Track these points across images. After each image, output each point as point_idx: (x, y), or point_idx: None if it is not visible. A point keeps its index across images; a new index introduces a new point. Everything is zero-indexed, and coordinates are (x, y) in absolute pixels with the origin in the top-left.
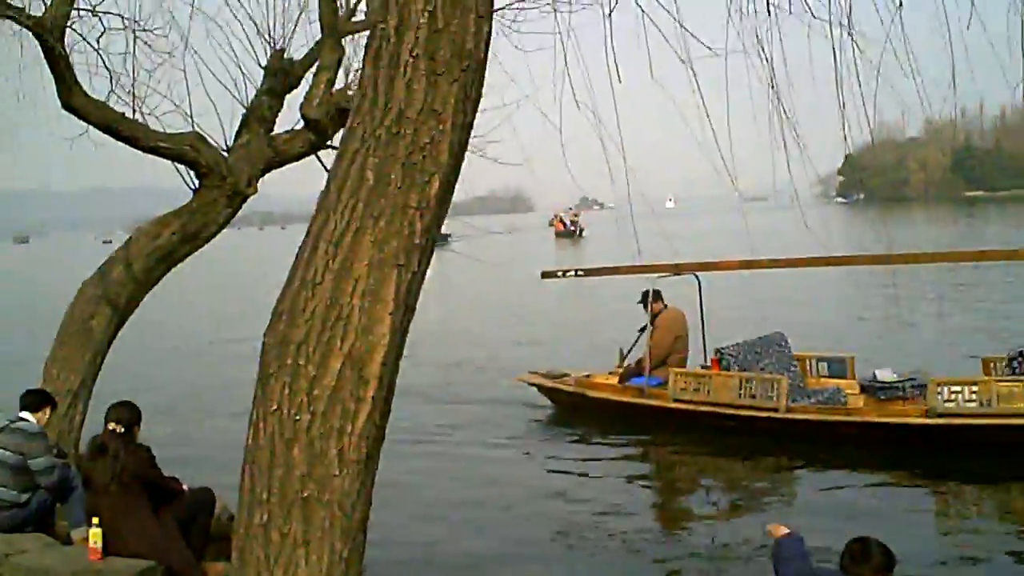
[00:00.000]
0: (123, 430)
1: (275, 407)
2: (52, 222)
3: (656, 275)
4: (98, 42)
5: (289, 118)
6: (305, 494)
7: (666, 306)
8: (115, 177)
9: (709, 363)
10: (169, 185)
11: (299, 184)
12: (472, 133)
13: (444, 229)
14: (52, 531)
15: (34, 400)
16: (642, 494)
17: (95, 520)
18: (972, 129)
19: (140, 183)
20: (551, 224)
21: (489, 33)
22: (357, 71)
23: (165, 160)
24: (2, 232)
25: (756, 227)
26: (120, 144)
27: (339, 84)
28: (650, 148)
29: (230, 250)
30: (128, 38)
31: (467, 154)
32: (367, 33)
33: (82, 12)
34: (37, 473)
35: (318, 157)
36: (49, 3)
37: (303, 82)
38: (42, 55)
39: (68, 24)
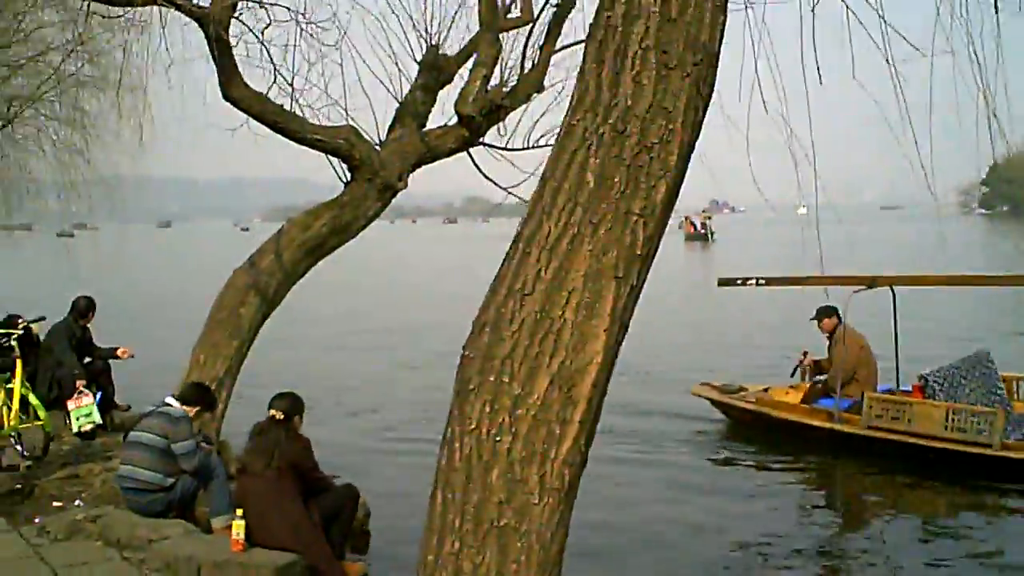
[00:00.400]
0: (283, 417)
1: (474, 426)
2: (193, 209)
3: (853, 288)
4: (263, 34)
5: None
6: (502, 523)
7: (841, 322)
8: (254, 167)
9: (905, 387)
10: (310, 177)
11: (431, 177)
12: None
13: None
14: (193, 517)
15: (190, 394)
16: (821, 530)
17: (239, 511)
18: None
19: (278, 174)
20: (680, 227)
21: (724, 24)
22: (511, 68)
23: (316, 152)
24: (147, 216)
25: (889, 237)
26: (262, 135)
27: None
28: (780, 151)
29: (362, 243)
30: (290, 31)
31: None
32: (525, 30)
33: (249, 4)
34: (180, 457)
35: (469, 154)
36: None
37: (456, 78)
38: (206, 46)
39: (235, 15)
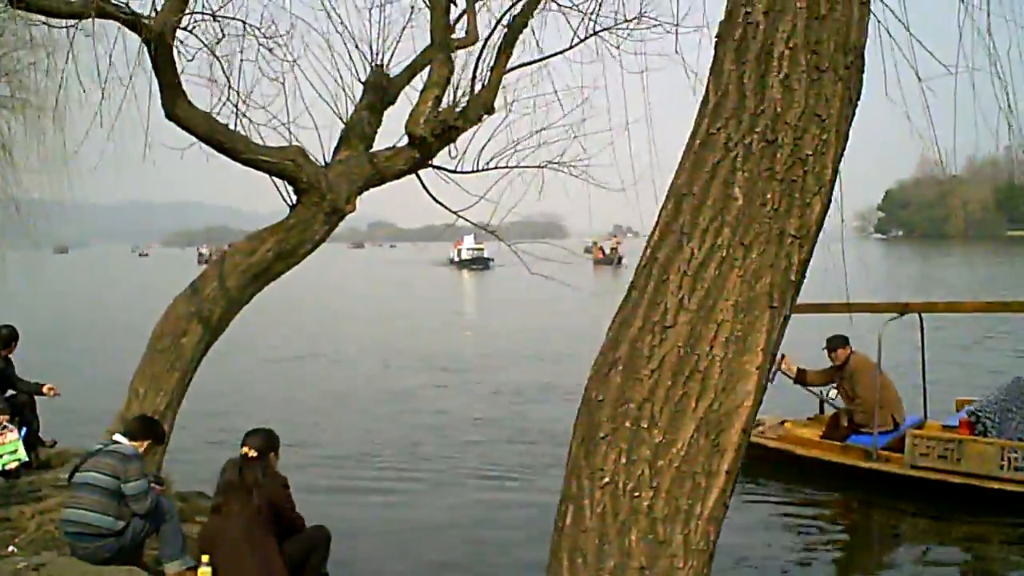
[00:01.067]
0: (256, 455)
1: (607, 480)
2: (91, 233)
3: (888, 316)
4: (213, 49)
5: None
6: None
7: (853, 351)
8: (153, 191)
9: (951, 420)
10: (205, 200)
11: None
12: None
13: (487, 253)
14: (141, 562)
15: (136, 428)
16: None
17: (205, 558)
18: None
19: (177, 198)
20: (588, 251)
21: (868, 22)
22: (461, 89)
23: (262, 173)
24: (42, 242)
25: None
26: (159, 160)
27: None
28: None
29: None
30: (235, 47)
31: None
32: (475, 51)
33: (198, 16)
34: (132, 498)
35: (418, 175)
36: (161, 6)
37: (400, 99)
38: (128, 66)
39: (187, 28)
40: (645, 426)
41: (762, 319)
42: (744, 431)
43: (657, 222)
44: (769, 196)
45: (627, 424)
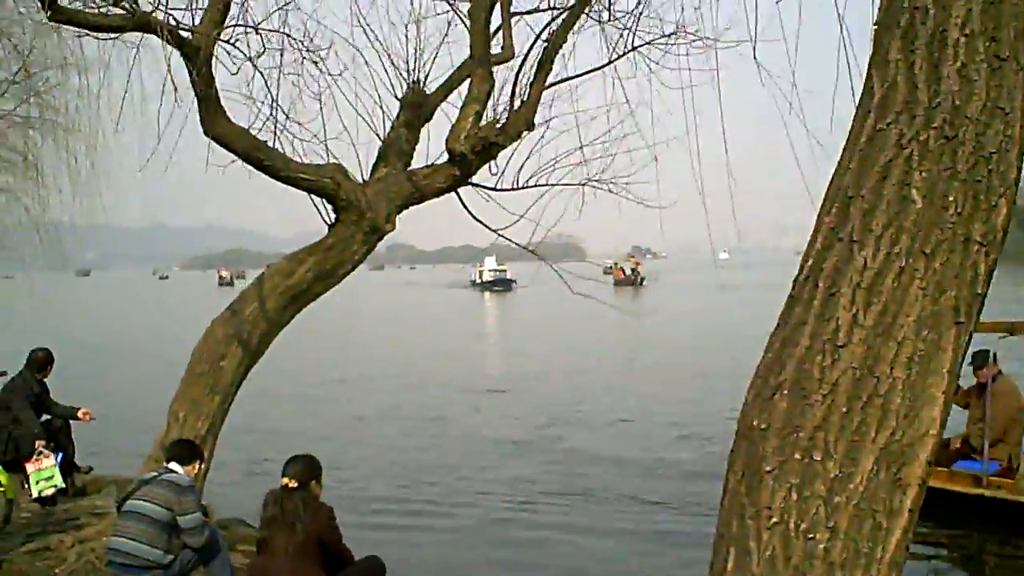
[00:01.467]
0: (297, 485)
1: (776, 519)
2: (111, 257)
3: (999, 335)
4: (254, 62)
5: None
6: None
7: (1000, 372)
8: (173, 215)
9: None
10: (224, 224)
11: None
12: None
13: (509, 275)
14: None
15: (184, 452)
16: None
17: None
18: None
19: (195, 221)
20: (608, 272)
21: None
22: (500, 106)
23: (293, 193)
24: (64, 264)
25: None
26: (178, 182)
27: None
28: (707, 197)
29: None
30: (275, 62)
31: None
32: (514, 66)
33: (239, 30)
34: (186, 531)
35: (457, 193)
36: (200, 19)
37: (436, 115)
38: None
39: (228, 40)
40: (818, 458)
41: (947, 337)
42: (929, 463)
43: (817, 228)
44: (951, 198)
45: (797, 456)
